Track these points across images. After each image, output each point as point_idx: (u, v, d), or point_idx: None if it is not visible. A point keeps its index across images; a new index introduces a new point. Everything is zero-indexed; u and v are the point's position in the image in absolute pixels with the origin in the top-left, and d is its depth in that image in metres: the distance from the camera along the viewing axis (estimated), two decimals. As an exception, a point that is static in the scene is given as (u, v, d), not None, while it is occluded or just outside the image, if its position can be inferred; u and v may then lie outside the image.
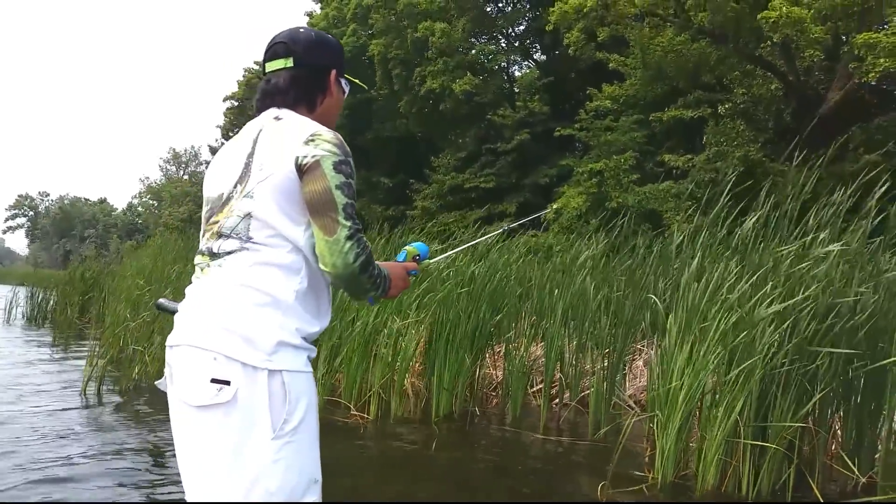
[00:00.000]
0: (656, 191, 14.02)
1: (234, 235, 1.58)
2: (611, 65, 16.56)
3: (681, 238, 5.78)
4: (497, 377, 6.39)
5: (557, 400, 5.94)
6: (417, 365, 6.06)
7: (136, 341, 6.39)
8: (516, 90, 23.58)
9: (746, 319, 3.65)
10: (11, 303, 13.32)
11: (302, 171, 1.54)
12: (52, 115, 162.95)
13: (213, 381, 1.47)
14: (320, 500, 1.58)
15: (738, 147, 12.91)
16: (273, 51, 1.74)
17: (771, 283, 3.79)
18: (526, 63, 26.20)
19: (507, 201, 20.92)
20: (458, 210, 21.52)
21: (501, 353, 6.32)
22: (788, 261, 4.03)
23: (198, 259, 1.67)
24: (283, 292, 1.54)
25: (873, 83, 9.72)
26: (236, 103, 31.78)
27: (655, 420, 3.95)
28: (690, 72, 11.87)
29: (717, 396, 3.69)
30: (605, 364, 5.47)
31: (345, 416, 5.17)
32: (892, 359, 3.63)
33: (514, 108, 21.61)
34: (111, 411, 5.29)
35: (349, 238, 1.51)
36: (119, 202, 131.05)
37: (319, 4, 30.39)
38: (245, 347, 1.48)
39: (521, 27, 26.00)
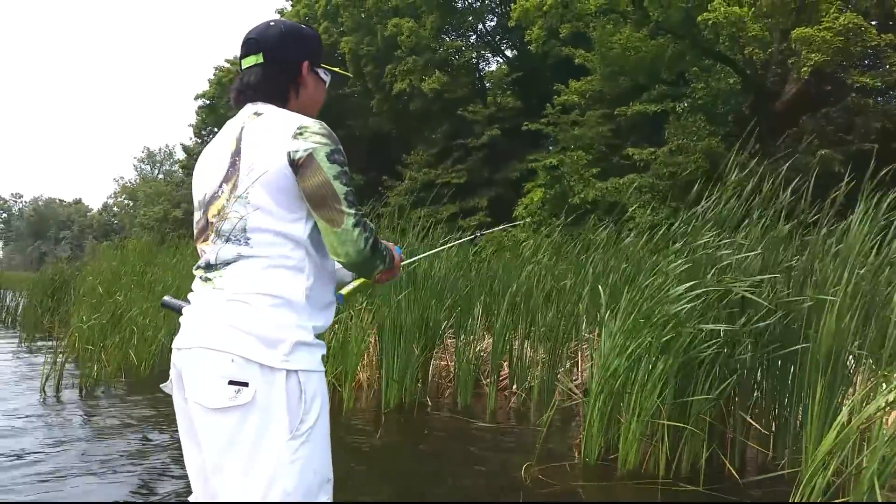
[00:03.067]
0: (618, 184, 14.30)
1: (233, 240, 1.57)
2: (576, 60, 16.82)
3: (636, 230, 6.00)
4: (451, 369, 6.58)
5: (508, 390, 6.14)
6: (369, 357, 6.23)
7: (93, 341, 6.49)
8: (487, 85, 23.78)
9: (659, 305, 3.85)
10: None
11: (296, 165, 1.53)
12: (22, 116, 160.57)
13: (232, 382, 1.47)
14: (331, 499, 1.60)
15: (699, 140, 13.23)
16: (246, 47, 1.75)
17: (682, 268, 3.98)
18: (496, 58, 26.41)
19: (479, 195, 21.14)
20: (432, 205, 21.71)
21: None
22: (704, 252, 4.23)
23: (198, 272, 1.66)
24: (293, 292, 1.55)
25: (806, 77, 10.01)
26: (208, 102, 31.63)
27: (587, 404, 4.15)
28: (648, 68, 12.12)
29: (636, 379, 3.89)
30: (547, 353, 5.68)
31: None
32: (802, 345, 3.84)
33: (484, 104, 21.82)
34: (68, 408, 5.40)
35: (356, 225, 1.53)
36: (94, 203, 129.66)
37: (290, 2, 30.33)
38: (263, 348, 1.48)
39: (492, 23, 26.20)
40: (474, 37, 26.55)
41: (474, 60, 25.22)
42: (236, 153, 1.61)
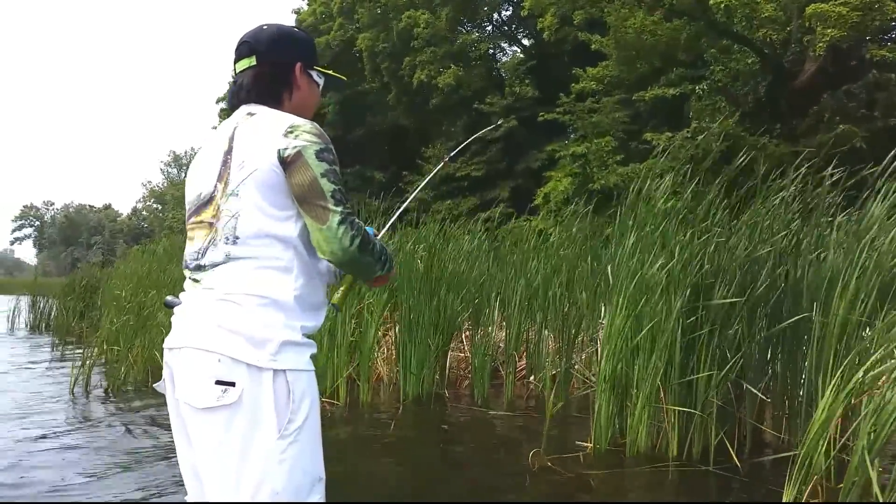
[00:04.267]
0: (638, 170, 14.19)
1: (223, 240, 1.58)
2: (592, 46, 16.70)
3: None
4: (469, 360, 6.64)
5: (526, 380, 6.18)
6: (387, 351, 6.32)
7: (120, 343, 6.67)
8: (504, 75, 23.69)
9: (647, 284, 3.87)
10: (14, 312, 13.65)
11: (285, 163, 1.54)
12: (51, 124, 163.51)
13: (218, 382, 1.47)
14: (324, 499, 1.60)
15: (719, 122, 13.08)
16: (239, 51, 1.76)
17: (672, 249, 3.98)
18: (513, 48, 26.30)
19: (500, 187, 21.12)
20: (452, 199, 21.75)
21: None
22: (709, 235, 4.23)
23: (187, 272, 1.67)
24: (281, 292, 1.55)
25: (822, 54, 9.84)
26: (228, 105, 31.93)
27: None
28: (664, 51, 12.02)
29: (639, 363, 3.91)
30: (564, 342, 5.71)
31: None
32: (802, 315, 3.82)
33: (502, 95, 21.75)
34: (95, 409, 5.56)
35: (341, 223, 1.52)
36: (124, 208, 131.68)
37: (306, 1, 30.47)
38: (250, 348, 1.49)
39: (507, 12, 26.09)
40: (490, 27, 26.47)
41: (491, 51, 25.15)
42: (228, 152, 1.62)
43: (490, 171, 21.43)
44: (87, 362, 6.25)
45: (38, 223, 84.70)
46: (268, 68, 1.73)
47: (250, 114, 1.67)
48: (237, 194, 1.57)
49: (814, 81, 12.09)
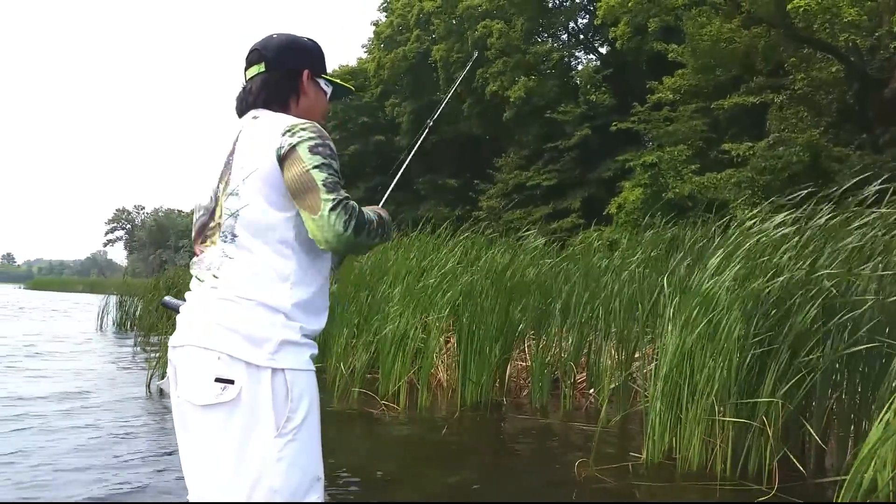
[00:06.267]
0: (715, 180, 13.85)
1: (225, 240, 1.60)
2: (669, 55, 16.41)
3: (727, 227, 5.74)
4: (530, 369, 6.64)
5: (590, 390, 6.14)
6: (447, 358, 6.40)
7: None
8: (578, 83, 23.50)
9: (714, 298, 3.80)
10: (103, 311, 14.43)
11: (281, 160, 1.56)
12: (144, 132, 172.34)
13: (218, 380, 1.49)
14: (322, 498, 1.60)
15: (800, 132, 12.63)
16: (249, 59, 1.79)
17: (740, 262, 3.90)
18: (588, 57, 26.10)
19: (571, 197, 20.97)
20: (523, 208, 21.73)
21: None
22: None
23: (193, 270, 1.70)
24: (279, 294, 1.56)
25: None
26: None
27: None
28: (742, 59, 11.68)
29: (697, 377, 3.85)
30: (624, 355, 5.65)
31: (375, 407, 5.54)
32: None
33: (576, 103, 21.60)
34: (168, 403, 5.85)
35: (333, 209, 1.50)
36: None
37: (384, 14, 31.08)
38: (248, 347, 1.50)
39: (584, 20, 25.91)
40: (565, 35, 26.36)
41: (566, 60, 25.03)
42: (231, 153, 1.66)
43: (563, 179, 21.31)
44: (164, 357, 6.59)
45: (129, 226, 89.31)
46: (276, 75, 1.75)
47: (255, 117, 1.69)
48: (237, 194, 1.60)
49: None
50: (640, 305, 5.78)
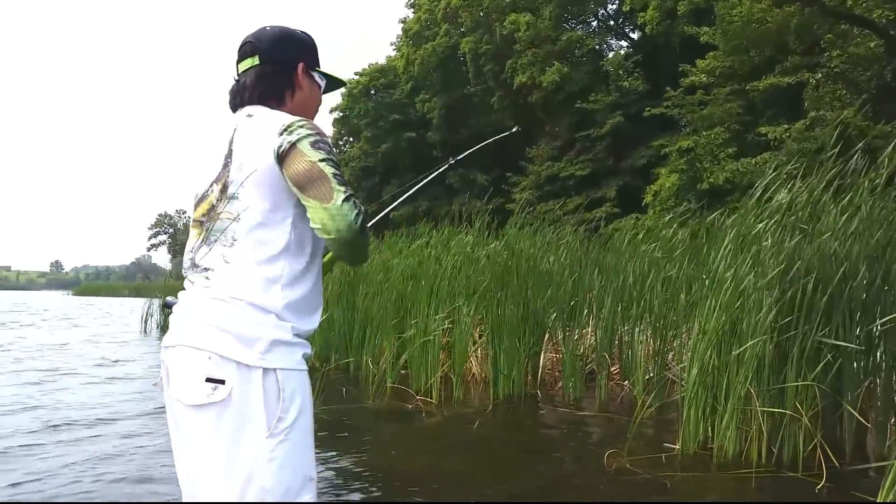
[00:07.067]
0: (750, 164, 13.59)
1: (219, 241, 1.60)
2: (701, 38, 16.11)
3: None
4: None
5: (626, 382, 6.09)
6: (480, 352, 6.41)
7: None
8: (609, 70, 23.23)
9: (744, 288, 3.75)
10: (146, 315, 14.76)
11: (281, 159, 1.54)
12: (185, 137, 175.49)
13: (208, 380, 1.49)
14: (315, 498, 1.59)
15: (837, 111, 12.31)
16: (242, 51, 1.76)
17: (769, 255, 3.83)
18: (619, 43, 25.77)
19: (606, 186, 20.77)
20: (557, 198, 21.59)
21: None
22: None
23: (186, 271, 1.70)
24: (272, 295, 1.56)
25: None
26: (341, 114, 33.15)
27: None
28: (775, 39, 11.40)
29: (728, 364, 3.80)
30: (660, 344, 5.59)
31: (409, 402, 5.59)
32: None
33: (607, 91, 21.35)
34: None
35: (346, 200, 1.50)
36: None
37: (412, 10, 31.14)
38: (239, 346, 1.50)
39: (613, 6, 25.60)
40: (595, 22, 26.07)
41: (597, 47, 24.75)
42: (228, 154, 1.64)
43: (596, 169, 21.10)
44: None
45: (171, 230, 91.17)
46: (270, 68, 1.73)
47: (249, 115, 1.67)
48: (237, 197, 1.59)
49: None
50: (674, 294, 5.72)
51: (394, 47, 33.58)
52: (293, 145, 1.54)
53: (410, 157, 29.39)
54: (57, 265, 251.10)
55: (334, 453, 4.10)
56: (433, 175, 2.86)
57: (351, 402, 5.82)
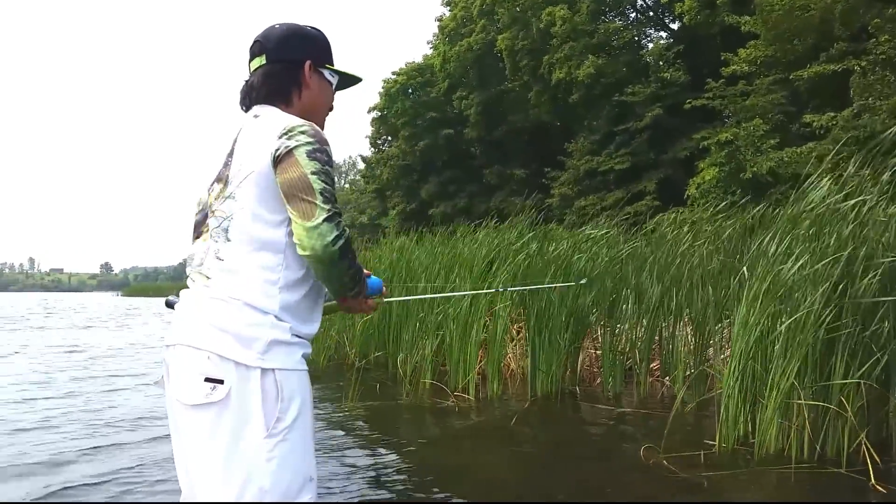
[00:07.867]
0: (795, 154, 13.25)
1: (218, 240, 1.61)
2: (742, 27, 15.74)
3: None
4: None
5: (666, 378, 6.02)
6: (518, 348, 6.40)
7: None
8: (648, 61, 22.84)
9: (786, 279, 3.67)
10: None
11: (276, 162, 1.54)
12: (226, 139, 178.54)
13: (207, 379, 1.49)
14: (316, 499, 1.59)
15: (886, 99, 11.92)
16: (251, 51, 1.75)
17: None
18: (660, 33, 25.35)
19: (646, 179, 20.47)
20: (596, 193, 21.37)
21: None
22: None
23: (188, 270, 1.71)
24: (268, 297, 1.56)
25: None
26: (379, 113, 33.35)
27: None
28: (818, 26, 11.09)
29: (771, 358, 3.73)
30: (700, 339, 5.52)
31: (447, 399, 5.61)
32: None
33: (646, 83, 21.01)
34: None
35: (328, 220, 1.48)
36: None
37: (448, 7, 31.15)
38: (238, 346, 1.50)
39: (651, -3, 25.20)
40: (634, 13, 25.71)
41: (636, 38, 24.38)
42: (230, 154, 1.65)
43: (636, 162, 20.81)
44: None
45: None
46: (277, 66, 1.71)
47: (256, 116, 1.67)
48: (234, 197, 1.59)
49: None
50: (714, 289, 5.63)
51: (430, 45, 33.67)
52: (290, 151, 1.53)
53: (448, 153, 29.40)
54: (107, 267, 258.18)
55: (368, 451, 4.14)
56: (466, 294, 2.76)
57: (387, 398, 5.87)
